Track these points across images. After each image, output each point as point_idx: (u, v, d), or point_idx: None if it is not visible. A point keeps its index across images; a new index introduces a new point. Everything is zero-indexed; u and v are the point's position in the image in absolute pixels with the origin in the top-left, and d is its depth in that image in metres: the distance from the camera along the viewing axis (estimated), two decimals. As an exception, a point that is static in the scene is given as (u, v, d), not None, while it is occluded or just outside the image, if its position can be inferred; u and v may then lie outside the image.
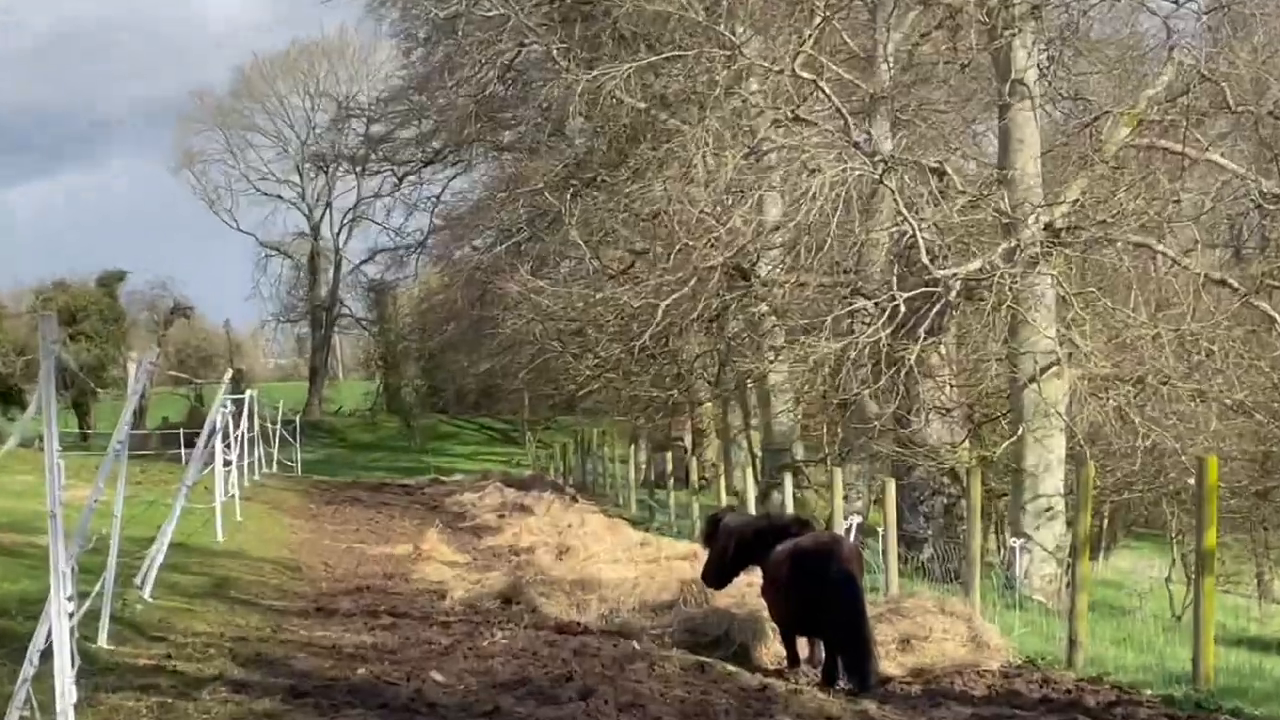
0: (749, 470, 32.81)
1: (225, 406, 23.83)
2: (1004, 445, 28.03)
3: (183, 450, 43.86)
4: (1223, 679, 14.53)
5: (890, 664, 15.37)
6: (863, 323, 28.31)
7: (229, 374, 22.90)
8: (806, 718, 12.04)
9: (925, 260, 26.22)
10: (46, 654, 8.95)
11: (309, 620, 16.40)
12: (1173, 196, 28.88)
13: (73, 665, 8.99)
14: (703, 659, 14.99)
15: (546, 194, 41.57)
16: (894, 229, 29.17)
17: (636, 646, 15.52)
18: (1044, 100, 30.43)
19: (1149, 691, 14.04)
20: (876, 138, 30.20)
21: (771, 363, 33.72)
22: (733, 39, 30.91)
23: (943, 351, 30.09)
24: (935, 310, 27.03)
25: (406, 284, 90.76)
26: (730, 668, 14.87)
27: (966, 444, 30.56)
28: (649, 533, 28.84)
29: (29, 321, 69.10)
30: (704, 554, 19.00)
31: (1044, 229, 26.96)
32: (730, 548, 16.99)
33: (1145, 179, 28.40)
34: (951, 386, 30.81)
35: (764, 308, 33.11)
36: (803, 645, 15.97)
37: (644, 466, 52.86)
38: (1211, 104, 28.83)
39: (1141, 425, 26.40)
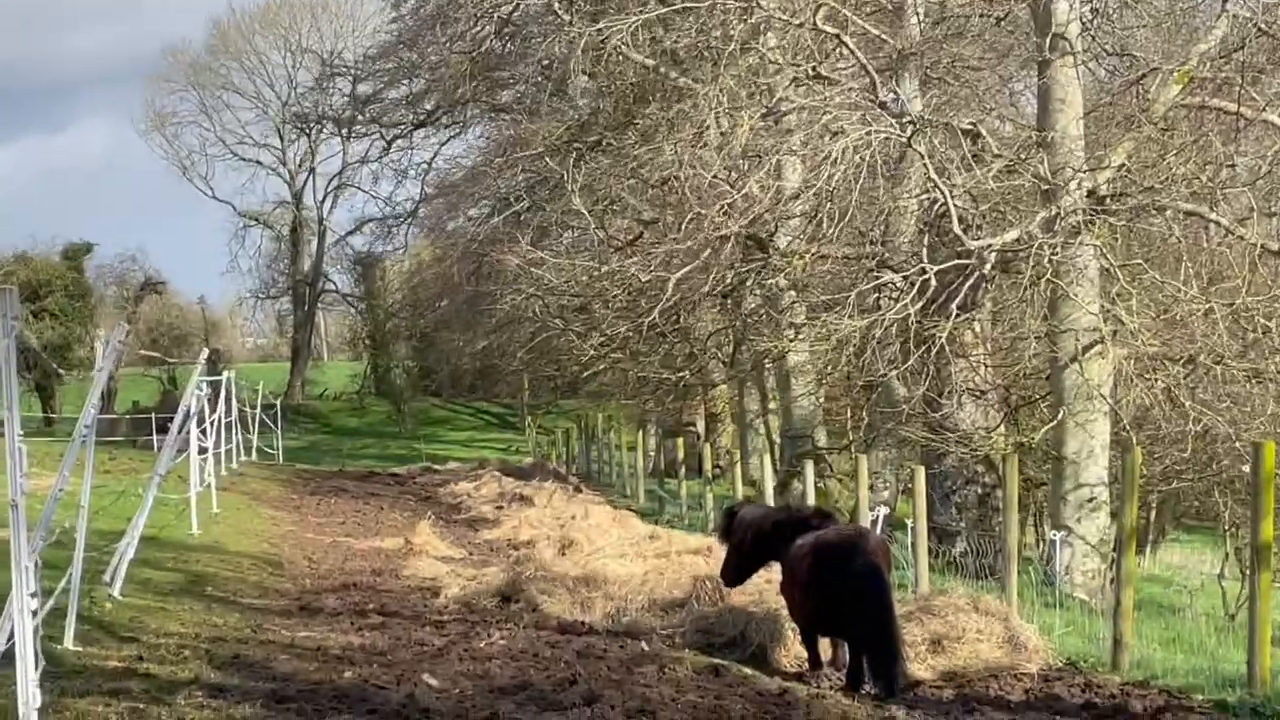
0: (767, 458, 32.89)
1: (200, 389, 23.83)
2: (1043, 430, 28.01)
3: (155, 436, 43.94)
4: (1280, 683, 14.54)
5: (920, 667, 15.40)
6: (890, 298, 28.27)
7: (204, 354, 22.99)
8: (829, 724, 12.05)
9: (957, 230, 26.16)
10: (8, 655, 8.98)
11: (291, 620, 16.45)
12: (1226, 160, 28.81)
13: (36, 667, 9.02)
14: (717, 661, 15.04)
15: (547, 159, 41.56)
16: (924, 196, 29.11)
17: (645, 648, 15.56)
18: (1087, 56, 30.34)
19: (1200, 697, 14.05)
20: (905, 97, 30.10)
21: (791, 341, 33.69)
22: (749, -11, 30.84)
23: (977, 329, 30.03)
24: (968, 284, 26.98)
25: (396, 257, 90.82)
26: (747, 671, 14.93)
27: (1002, 429, 30.52)
28: (658, 525, 28.90)
29: (-12, 298, 69.19)
30: (720, 549, 19.06)
31: (1087, 196, 26.90)
32: (747, 542, 17.03)
33: (1196, 141, 28.31)
34: (986, 367, 30.75)
35: (783, 281, 33.05)
36: (825, 646, 16.01)
37: (653, 454, 52.91)
38: (1269, 60, 28.75)
39: (1192, 408, 26.37)
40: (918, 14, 32.02)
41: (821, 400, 38.82)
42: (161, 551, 20.33)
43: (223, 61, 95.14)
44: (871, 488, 27.65)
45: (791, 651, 16.37)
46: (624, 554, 22.51)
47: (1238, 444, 26.16)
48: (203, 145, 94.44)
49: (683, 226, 30.98)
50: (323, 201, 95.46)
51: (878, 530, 20.22)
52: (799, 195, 30.66)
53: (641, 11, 32.35)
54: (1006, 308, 31.58)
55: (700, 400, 53.04)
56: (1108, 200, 27.35)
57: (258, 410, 50.02)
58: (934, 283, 26.43)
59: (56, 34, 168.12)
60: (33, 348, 69.29)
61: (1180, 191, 27.33)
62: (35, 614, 9.01)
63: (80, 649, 12.47)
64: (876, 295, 29.04)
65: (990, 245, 26.78)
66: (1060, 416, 27.09)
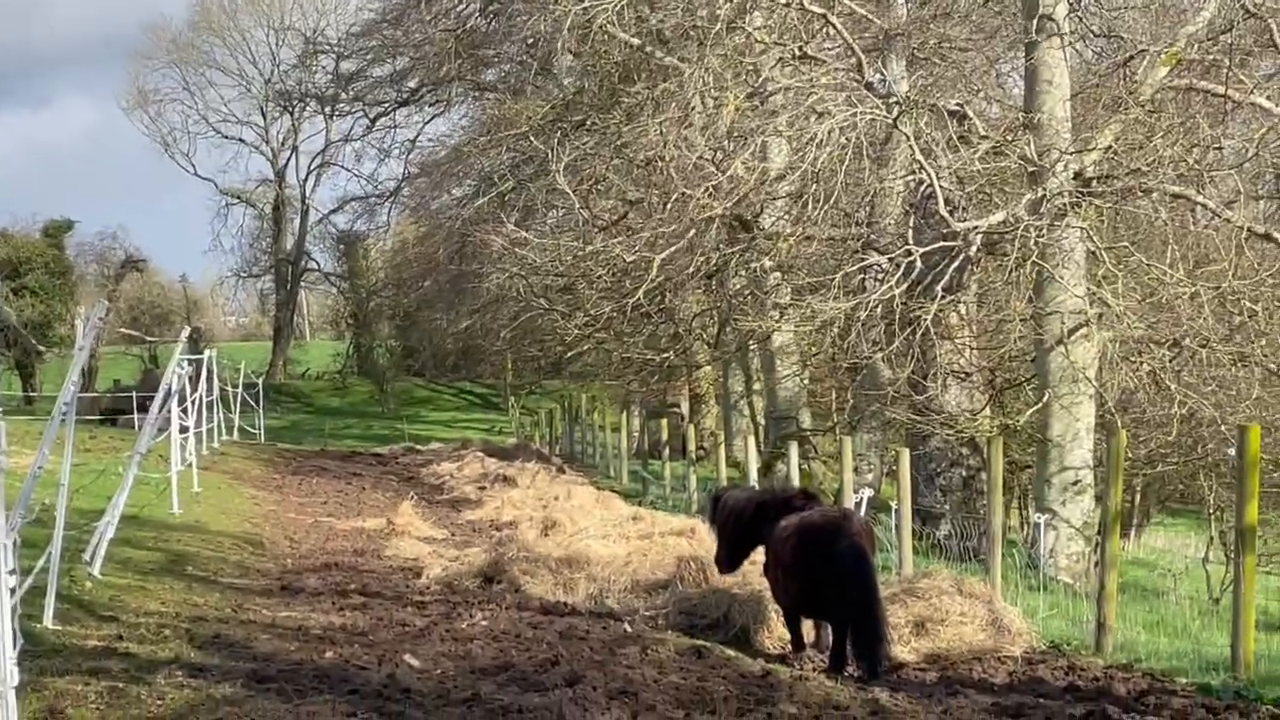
0: (751, 439, 32.84)
1: (182, 368, 23.76)
2: (1028, 413, 28.05)
3: (135, 415, 43.83)
4: (1264, 666, 14.57)
5: (903, 649, 15.43)
6: (875, 279, 28.29)
7: (186, 332, 22.84)
8: (812, 706, 12.06)
9: (943, 212, 26.17)
10: (-14, 634, 8.94)
11: (272, 600, 16.43)
12: (1214, 143, 28.82)
13: (15, 646, 8.99)
14: (700, 643, 15.04)
15: (532, 138, 41.56)
16: (910, 178, 29.11)
17: (628, 629, 15.56)
18: (1074, 38, 30.35)
19: (1184, 680, 14.08)
20: (891, 78, 30.10)
21: (776, 322, 33.68)
22: (736, -32, 30.79)
23: (962, 311, 30.05)
24: (954, 266, 26.99)
25: (379, 236, 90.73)
26: (730, 652, 14.93)
27: (987, 411, 30.55)
28: (642, 506, 28.84)
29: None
30: (703, 530, 19.08)
31: (1073, 178, 26.91)
32: (730, 526, 17.04)
33: (1184, 124, 28.32)
34: (971, 349, 30.78)
35: (768, 262, 33.05)
36: (808, 628, 16.03)
37: (637, 435, 52.88)
38: (1257, 42, 28.74)
39: (1178, 391, 26.40)
40: (905, -6, 32.04)
41: (806, 382, 38.86)
42: (142, 531, 20.29)
43: (205, 38, 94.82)
44: (856, 470, 27.66)
45: (775, 633, 16.39)
46: (607, 535, 22.48)
47: (1223, 427, 26.20)
48: (185, 123, 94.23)
49: (668, 207, 30.98)
50: (305, 180, 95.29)
51: (862, 512, 20.24)
52: (784, 176, 30.67)
53: (628, -11, 32.32)
54: (992, 290, 31.58)
55: (684, 381, 53.04)
56: (1094, 182, 27.36)
57: (239, 389, 49.93)
58: (919, 264, 26.43)
59: (42, 8, 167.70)
60: (13, 325, 69.19)
61: (1167, 174, 27.34)
62: (14, 592, 8.99)
63: (59, 628, 12.45)
64: (862, 277, 29.06)
65: (976, 227, 26.78)
66: (1045, 399, 27.11)
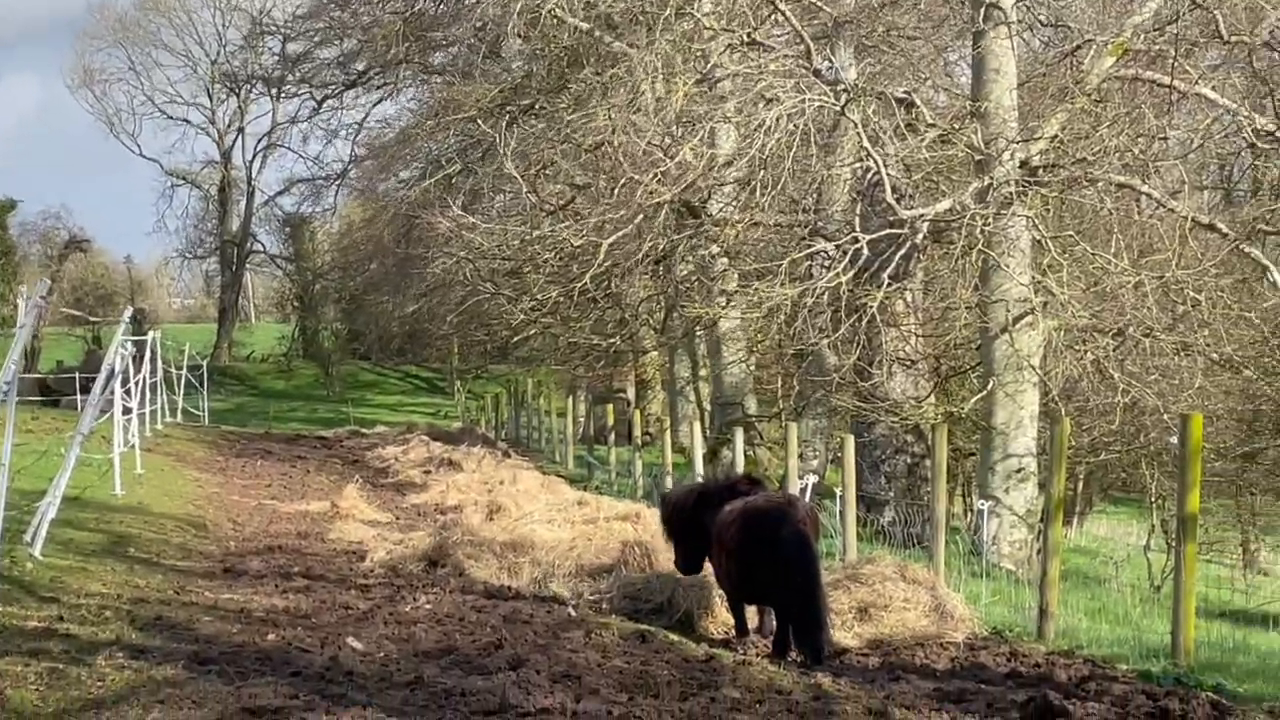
0: (697, 425, 32.88)
1: (125, 348, 23.64)
2: (972, 400, 28.17)
3: (78, 396, 43.56)
4: (1204, 653, 14.68)
5: (846, 634, 15.48)
6: (822, 266, 28.34)
7: (129, 313, 22.75)
8: (755, 691, 12.07)
9: (890, 199, 26.24)
10: (-75, 614, 8.89)
11: (215, 582, 16.37)
12: (1159, 133, 28.99)
13: (-46, 627, 8.94)
14: (644, 627, 15.05)
15: (480, 122, 41.39)
16: (857, 165, 29.17)
17: (572, 613, 15.56)
18: (1021, 27, 30.45)
19: (1124, 666, 14.17)
20: (839, 65, 30.12)
21: (723, 308, 33.73)
22: (685, -47, 30.80)
23: (908, 298, 30.15)
24: (900, 254, 27.07)
25: (325, 218, 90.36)
26: (673, 637, 14.94)
27: (932, 399, 30.67)
28: (587, 491, 28.86)
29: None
30: (647, 514, 19.06)
31: (1019, 167, 27.03)
32: (674, 522, 17.01)
33: (1130, 114, 28.47)
34: (917, 336, 30.89)
35: (715, 249, 33.08)
36: (752, 614, 16.05)
37: (583, 420, 52.94)
38: (1202, 33, 28.90)
39: (1121, 380, 26.55)
40: (854, -19, 32.06)
41: (752, 368, 38.93)
42: (84, 512, 20.18)
43: (152, 18, 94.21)
44: (801, 456, 27.73)
45: (718, 618, 16.41)
46: (552, 520, 22.47)
47: (1165, 416, 26.36)
48: (131, 103, 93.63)
49: (615, 192, 30.90)
50: (251, 161, 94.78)
51: (807, 498, 20.30)
52: (732, 163, 30.65)
53: (577, -27, 32.28)
54: (938, 278, 31.72)
55: (631, 367, 53.12)
56: (1040, 171, 27.49)
57: (183, 371, 49.65)
58: (866, 252, 26.49)
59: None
60: (-46, 305, 68.71)
61: (1113, 164, 27.50)
62: (-47, 573, 8.93)
63: (-1, 609, 12.38)
64: (809, 264, 29.09)
65: (923, 215, 26.87)
66: (990, 387, 27.25)
